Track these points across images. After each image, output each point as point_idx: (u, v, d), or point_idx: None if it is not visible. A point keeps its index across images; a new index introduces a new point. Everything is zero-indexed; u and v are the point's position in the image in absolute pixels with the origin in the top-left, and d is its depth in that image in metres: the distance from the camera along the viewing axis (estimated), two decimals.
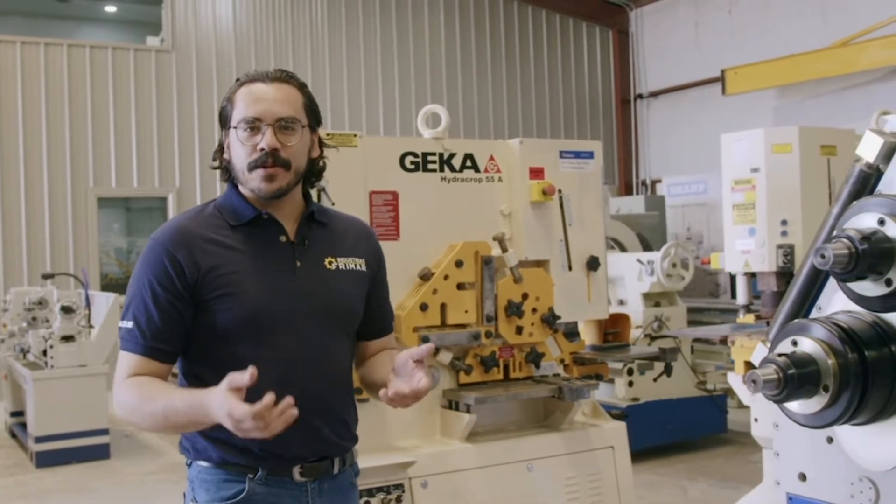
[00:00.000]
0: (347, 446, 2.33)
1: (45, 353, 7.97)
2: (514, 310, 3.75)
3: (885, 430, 2.61)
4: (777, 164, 4.48)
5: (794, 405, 2.62)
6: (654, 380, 6.54)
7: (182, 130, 11.75)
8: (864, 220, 2.43)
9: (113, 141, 11.42)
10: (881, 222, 2.39)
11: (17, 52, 11.04)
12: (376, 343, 2.48)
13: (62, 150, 11.16)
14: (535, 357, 3.83)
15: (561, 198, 3.90)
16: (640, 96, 14.64)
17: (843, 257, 2.33)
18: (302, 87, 2.31)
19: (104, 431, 8.00)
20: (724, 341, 4.71)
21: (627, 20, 14.73)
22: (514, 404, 3.87)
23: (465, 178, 3.82)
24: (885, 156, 2.64)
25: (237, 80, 2.30)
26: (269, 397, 1.87)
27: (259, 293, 2.19)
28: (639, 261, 7.30)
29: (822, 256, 2.36)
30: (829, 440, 2.76)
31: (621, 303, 7.46)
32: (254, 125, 2.19)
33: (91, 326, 8.12)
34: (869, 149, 2.67)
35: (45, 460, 7.77)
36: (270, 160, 2.18)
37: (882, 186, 2.66)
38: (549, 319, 3.80)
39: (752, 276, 4.76)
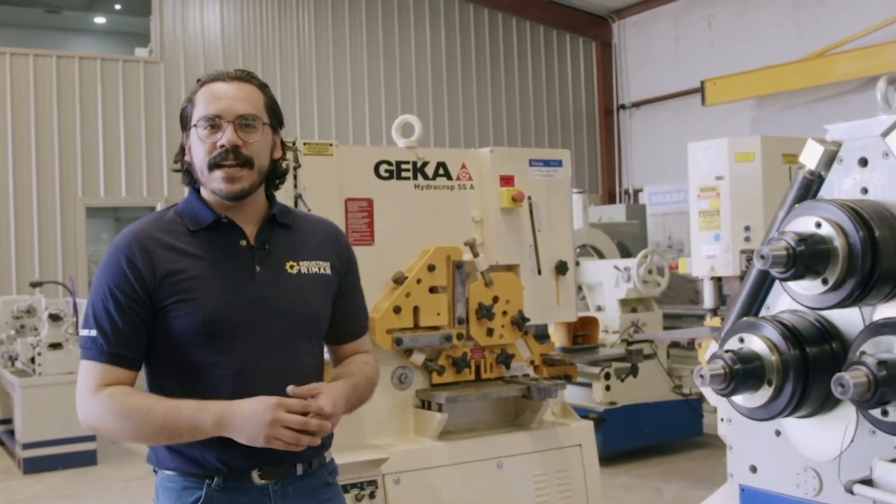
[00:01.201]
0: (310, 454, 2.25)
1: (32, 360, 8.06)
2: (485, 312, 3.87)
3: (827, 423, 2.77)
4: (740, 172, 4.64)
5: (740, 399, 2.78)
6: (622, 380, 6.69)
7: (170, 140, 11.85)
8: (803, 223, 2.58)
9: (102, 151, 11.52)
10: (818, 225, 2.54)
11: (7, 63, 11.14)
12: (348, 347, 2.46)
13: (51, 159, 11.25)
14: (505, 358, 3.96)
15: (530, 204, 4.03)
16: (623, 107, 14.82)
17: (782, 258, 2.48)
18: (263, 87, 2.28)
19: (91, 438, 8.08)
20: (691, 343, 4.86)
21: (610, 32, 14.92)
22: (485, 404, 4.00)
23: (438, 186, 3.95)
24: (826, 163, 2.80)
25: (198, 80, 2.28)
26: (324, 405, 2.07)
27: (215, 299, 2.14)
28: (616, 267, 7.44)
29: (762, 257, 2.51)
30: (777, 433, 2.91)
31: (599, 308, 7.61)
32: (214, 122, 2.16)
33: (78, 334, 8.20)
34: (811, 156, 2.83)
35: (33, 467, 7.85)
36: (231, 157, 2.14)
37: (824, 192, 2.82)
38: (519, 322, 3.93)
39: (718, 280, 4.92)
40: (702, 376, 2.68)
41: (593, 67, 15.03)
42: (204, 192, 2.26)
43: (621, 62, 14.82)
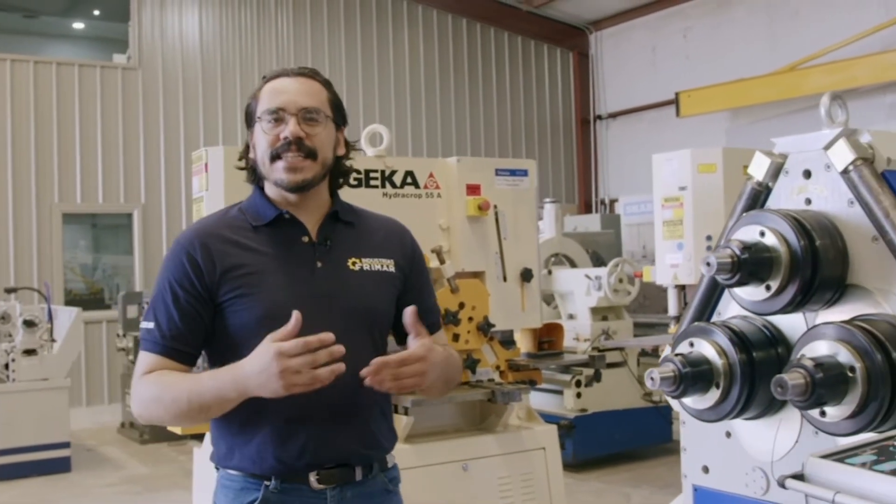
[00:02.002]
0: (370, 455, 2.25)
1: (7, 366, 8.06)
2: (451, 318, 3.95)
3: (773, 424, 2.87)
4: (702, 183, 4.74)
5: (690, 401, 2.88)
6: (586, 385, 6.79)
7: (148, 147, 11.88)
8: (748, 232, 2.69)
9: (79, 157, 11.52)
10: (762, 234, 2.65)
11: None
12: None
13: (27, 165, 11.25)
14: (471, 363, 4.05)
15: (496, 213, 4.13)
16: (600, 117, 14.95)
17: (726, 265, 2.58)
18: (327, 84, 2.29)
19: (65, 445, 8.11)
20: (656, 350, 4.97)
21: (587, 43, 15.06)
22: (451, 407, 4.08)
23: (406, 194, 4.04)
24: (773, 174, 2.91)
25: (263, 77, 2.30)
26: (326, 334, 1.89)
27: (275, 294, 2.15)
28: (587, 276, 7.55)
29: (708, 264, 2.61)
30: (728, 435, 3.01)
31: (571, 317, 7.70)
32: (277, 115, 2.17)
33: (53, 340, 8.22)
34: (758, 168, 2.94)
35: (6, 473, 7.83)
36: (294, 147, 2.15)
37: (770, 202, 2.93)
38: (485, 328, 4.02)
39: (682, 288, 5.02)
40: (652, 379, 2.79)
41: (570, 78, 15.16)
42: (268, 189, 2.27)
43: (598, 73, 14.96)
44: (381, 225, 2.42)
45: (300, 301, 2.13)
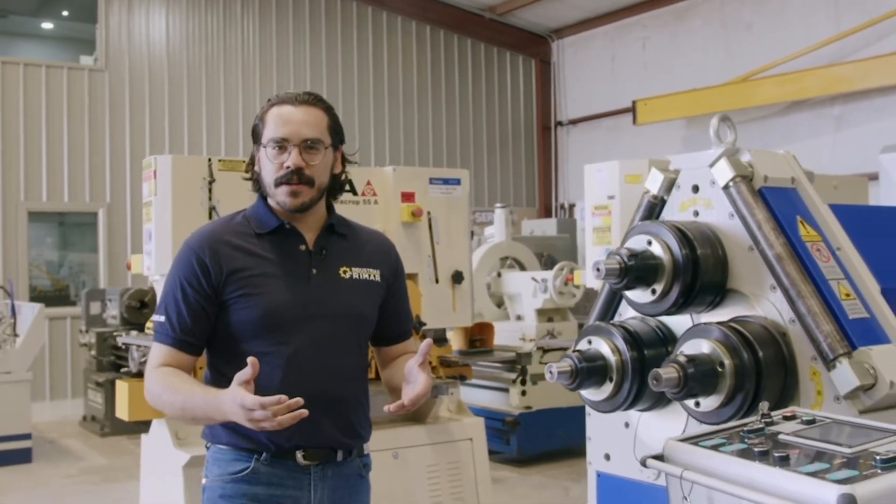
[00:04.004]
0: (349, 443, 2.52)
1: None
2: None
3: (665, 416, 3.18)
4: (629, 193, 5.02)
5: (587, 393, 3.18)
6: (514, 382, 7.04)
7: (114, 148, 12.03)
8: (638, 241, 3.00)
9: (45, 156, 11.65)
10: (649, 243, 2.95)
11: None
12: (396, 348, 2.72)
13: None
14: None
15: (429, 219, 4.40)
16: (560, 123, 15.24)
17: (614, 270, 2.89)
18: (328, 110, 2.53)
19: (27, 436, 8.28)
20: None
21: (549, 50, 15.35)
22: (384, 399, 4.31)
23: (345, 201, 4.22)
24: (667, 188, 3.23)
25: (269, 100, 2.54)
26: (279, 396, 2.11)
27: (274, 296, 2.42)
28: (533, 279, 7.83)
29: (598, 270, 2.91)
30: (626, 425, 3.32)
31: (518, 318, 7.98)
32: (281, 145, 2.43)
33: (16, 335, 8.40)
34: (654, 182, 3.25)
35: None
36: (295, 178, 2.42)
37: (665, 213, 3.23)
38: (417, 326, 4.28)
39: None
40: (551, 372, 3.08)
41: (532, 85, 15.44)
42: (270, 201, 2.53)
43: (559, 80, 15.25)
44: (370, 238, 2.71)
45: (296, 303, 2.45)
